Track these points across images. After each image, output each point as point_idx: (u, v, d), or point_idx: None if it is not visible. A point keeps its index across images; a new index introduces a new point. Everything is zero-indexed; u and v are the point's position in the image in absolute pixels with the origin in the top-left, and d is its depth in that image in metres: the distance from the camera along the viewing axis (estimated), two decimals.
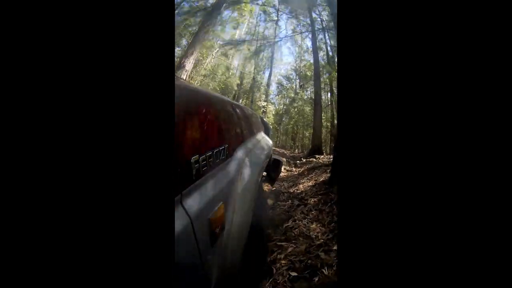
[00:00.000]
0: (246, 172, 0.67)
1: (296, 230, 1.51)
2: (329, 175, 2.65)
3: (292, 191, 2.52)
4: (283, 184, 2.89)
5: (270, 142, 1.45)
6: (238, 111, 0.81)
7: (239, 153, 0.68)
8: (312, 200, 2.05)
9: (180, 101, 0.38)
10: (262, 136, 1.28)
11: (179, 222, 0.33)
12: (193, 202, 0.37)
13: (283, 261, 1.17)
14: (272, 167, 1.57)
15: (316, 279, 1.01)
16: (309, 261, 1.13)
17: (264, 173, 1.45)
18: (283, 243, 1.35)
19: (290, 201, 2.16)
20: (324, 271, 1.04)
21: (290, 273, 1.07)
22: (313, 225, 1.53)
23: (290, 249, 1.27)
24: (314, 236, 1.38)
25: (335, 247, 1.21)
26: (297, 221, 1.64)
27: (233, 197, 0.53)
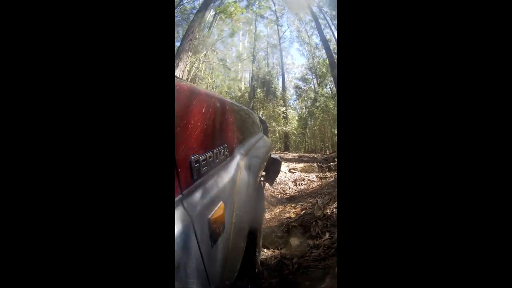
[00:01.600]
0: (245, 171, 0.67)
1: None
2: None
3: (329, 212, 1.62)
4: (316, 201, 1.99)
5: (269, 141, 1.44)
6: (237, 110, 0.82)
7: (239, 153, 0.68)
8: None
9: (180, 101, 0.38)
10: (260, 136, 1.27)
11: (180, 222, 0.33)
12: (193, 202, 0.37)
13: None
14: (271, 166, 1.55)
15: None
16: None
17: (263, 173, 1.43)
18: None
19: (328, 234, 1.34)
20: None
21: None
22: None
23: None
24: None
25: None
26: None
27: (232, 196, 0.53)
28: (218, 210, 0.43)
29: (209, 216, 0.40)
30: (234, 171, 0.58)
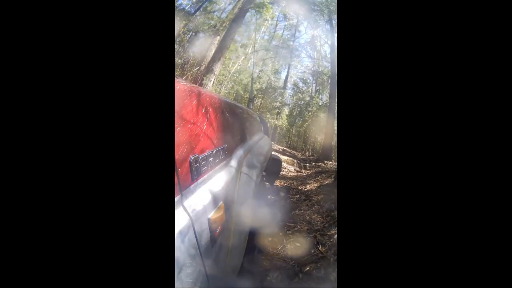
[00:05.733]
0: (246, 171, 0.68)
1: (301, 217, 1.98)
2: (333, 180, 3.16)
3: (300, 188, 3.03)
4: (293, 182, 3.39)
5: (269, 141, 1.45)
6: (237, 111, 0.82)
7: (239, 153, 0.68)
8: (316, 197, 2.50)
9: (180, 101, 0.38)
10: (261, 136, 1.27)
11: (180, 222, 0.33)
12: (193, 202, 0.37)
13: (290, 235, 1.60)
14: (272, 166, 1.56)
15: (312, 251, 1.41)
16: (309, 239, 1.54)
17: (264, 172, 1.45)
18: (291, 224, 1.81)
19: (298, 195, 2.65)
20: (318, 247, 1.45)
21: (296, 244, 1.51)
22: (314, 216, 1.98)
23: (296, 228, 1.72)
24: (313, 223, 1.82)
25: (328, 232, 1.62)
26: (302, 210, 2.13)
27: (233, 196, 0.54)
28: (218, 210, 0.43)
29: (209, 216, 0.40)
30: (234, 171, 0.58)
